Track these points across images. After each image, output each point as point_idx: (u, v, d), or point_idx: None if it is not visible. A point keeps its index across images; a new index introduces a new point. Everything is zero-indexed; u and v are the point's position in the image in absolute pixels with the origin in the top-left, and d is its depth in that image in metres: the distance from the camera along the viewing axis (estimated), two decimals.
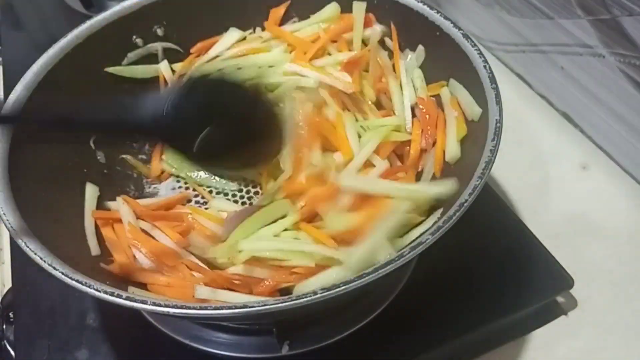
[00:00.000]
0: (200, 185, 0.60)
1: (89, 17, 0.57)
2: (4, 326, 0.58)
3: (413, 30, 0.56)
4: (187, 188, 0.60)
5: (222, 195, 0.59)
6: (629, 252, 0.60)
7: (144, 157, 0.63)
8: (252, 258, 0.46)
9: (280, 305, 0.35)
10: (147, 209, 0.54)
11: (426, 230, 0.40)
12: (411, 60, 0.58)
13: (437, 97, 0.56)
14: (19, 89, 0.51)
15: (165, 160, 0.61)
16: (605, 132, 0.68)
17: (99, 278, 0.39)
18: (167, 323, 0.53)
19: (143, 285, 0.48)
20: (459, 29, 0.51)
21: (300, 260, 0.45)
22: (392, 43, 0.59)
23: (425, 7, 0.54)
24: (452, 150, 0.51)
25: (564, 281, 0.55)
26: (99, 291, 0.37)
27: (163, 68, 0.63)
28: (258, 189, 0.59)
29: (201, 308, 0.35)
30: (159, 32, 0.63)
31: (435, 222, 0.39)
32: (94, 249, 0.50)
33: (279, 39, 0.63)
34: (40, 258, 0.39)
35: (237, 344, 0.52)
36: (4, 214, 0.42)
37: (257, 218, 0.49)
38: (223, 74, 0.48)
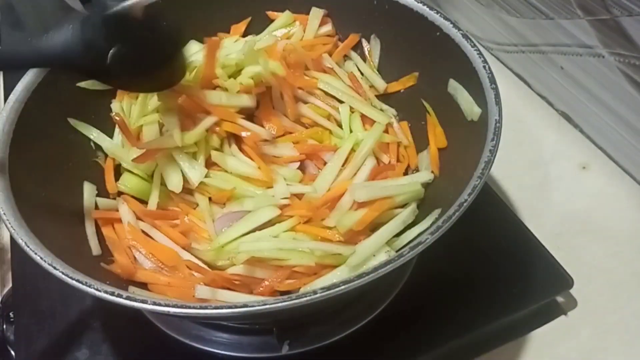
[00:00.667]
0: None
1: None
2: (4, 326, 0.58)
3: (413, 31, 0.57)
4: None
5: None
6: (629, 252, 0.60)
7: None
8: (252, 258, 0.46)
9: (280, 305, 0.35)
10: (145, 209, 0.54)
11: (426, 230, 0.40)
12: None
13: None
14: (19, 89, 0.51)
15: (122, 183, 0.56)
16: (605, 132, 0.68)
17: (99, 278, 0.39)
18: (168, 323, 0.53)
19: (143, 285, 0.48)
20: (459, 29, 0.51)
21: (300, 260, 0.46)
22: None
23: (425, 7, 0.54)
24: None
25: (564, 281, 0.55)
26: (100, 291, 0.37)
27: None
28: None
29: (201, 308, 0.35)
30: None
31: (435, 222, 0.39)
32: (95, 249, 0.50)
33: None
34: (41, 258, 0.39)
35: (237, 343, 0.52)
36: (4, 214, 0.42)
37: (244, 222, 0.50)
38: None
